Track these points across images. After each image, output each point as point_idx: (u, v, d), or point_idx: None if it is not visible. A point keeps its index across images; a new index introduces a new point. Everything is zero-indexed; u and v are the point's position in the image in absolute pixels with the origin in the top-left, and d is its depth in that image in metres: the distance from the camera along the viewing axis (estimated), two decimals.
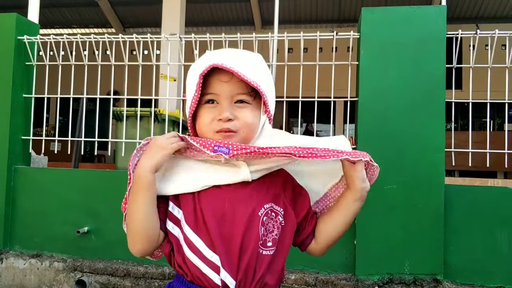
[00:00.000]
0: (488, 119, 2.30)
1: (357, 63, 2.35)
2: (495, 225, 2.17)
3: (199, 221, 0.90)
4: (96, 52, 2.60)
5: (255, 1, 10.34)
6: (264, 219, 0.93)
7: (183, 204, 0.94)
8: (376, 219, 2.20)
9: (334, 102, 2.42)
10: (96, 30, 11.64)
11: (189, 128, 0.99)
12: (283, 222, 0.96)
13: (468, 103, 2.31)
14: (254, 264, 0.90)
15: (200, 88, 0.91)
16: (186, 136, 0.92)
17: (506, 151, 2.27)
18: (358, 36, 2.33)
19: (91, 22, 11.67)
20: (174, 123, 2.87)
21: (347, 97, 2.38)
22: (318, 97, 2.43)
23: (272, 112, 0.98)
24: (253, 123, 0.93)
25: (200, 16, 10.84)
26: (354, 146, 2.35)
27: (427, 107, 2.23)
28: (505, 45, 2.23)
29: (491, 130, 8.27)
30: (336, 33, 2.38)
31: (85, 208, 2.50)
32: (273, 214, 0.95)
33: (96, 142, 2.58)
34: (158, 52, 2.54)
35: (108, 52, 2.63)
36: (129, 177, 0.94)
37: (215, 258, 0.89)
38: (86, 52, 2.60)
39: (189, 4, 7.82)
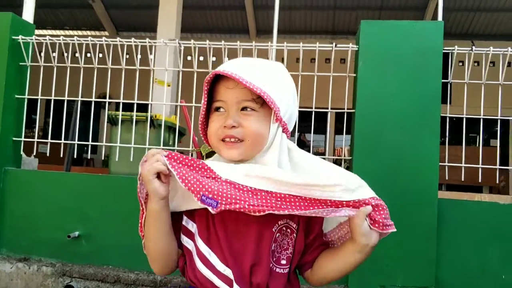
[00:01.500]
0: (481, 135, 2.33)
1: (355, 75, 2.37)
2: (487, 240, 2.19)
3: (212, 235, 0.90)
4: (93, 55, 2.58)
5: (251, 10, 10.40)
6: (277, 235, 0.92)
7: (197, 218, 0.94)
8: None
9: (331, 113, 2.43)
10: (89, 33, 11.57)
11: (202, 136, 1.00)
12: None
13: (459, 118, 2.35)
14: (266, 281, 0.89)
15: (207, 96, 0.92)
16: (168, 164, 0.87)
17: (497, 167, 2.30)
18: (357, 48, 2.34)
19: (84, 25, 11.61)
20: (170, 128, 2.85)
21: (340, 108, 2.39)
22: (315, 108, 2.44)
23: (289, 123, 0.96)
24: (258, 131, 0.91)
25: (195, 22, 10.85)
26: (349, 158, 2.36)
27: (422, 121, 2.25)
28: (493, 62, 2.26)
29: (479, 145, 8.38)
30: (335, 45, 2.40)
31: (77, 212, 2.46)
32: (288, 230, 0.94)
33: (89, 146, 2.55)
34: (151, 57, 2.53)
35: (100, 55, 2.61)
36: (140, 207, 0.95)
37: (227, 272, 0.88)
38: (81, 55, 2.58)
39: (184, 10, 7.82)
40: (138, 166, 0.93)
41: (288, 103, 0.95)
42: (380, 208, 0.89)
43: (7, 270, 2.42)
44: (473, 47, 2.21)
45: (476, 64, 2.37)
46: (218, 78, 0.93)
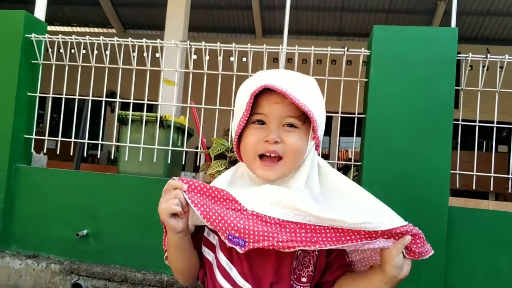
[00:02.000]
0: (493, 142, 2.32)
1: (366, 79, 2.36)
2: (496, 249, 2.17)
3: (233, 249, 0.87)
4: (104, 54, 2.59)
5: (257, 9, 10.40)
6: (299, 252, 0.90)
7: None
8: None
9: (337, 116, 2.43)
10: (96, 30, 11.60)
11: (234, 148, 0.97)
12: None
13: (473, 125, 2.34)
14: None
15: (250, 108, 0.88)
16: (188, 199, 0.83)
17: (510, 175, 2.29)
18: (369, 53, 2.34)
19: (91, 21, 11.64)
20: (179, 129, 2.86)
21: (349, 112, 2.39)
22: (326, 112, 2.43)
23: (321, 138, 0.95)
24: (300, 149, 0.89)
25: (201, 22, 10.86)
26: (360, 163, 2.35)
27: (434, 127, 2.24)
28: (501, 67, 2.25)
29: (484, 151, 8.35)
30: (347, 49, 2.40)
31: (86, 211, 2.47)
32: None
33: (99, 145, 2.56)
34: (158, 55, 2.54)
35: (107, 53, 2.62)
36: (163, 228, 0.93)
37: (247, 287, 0.88)
38: (93, 55, 2.59)
39: (192, 10, 7.83)
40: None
41: (323, 120, 0.94)
42: (417, 237, 0.84)
43: (17, 266, 2.43)
44: (488, 54, 2.19)
45: (485, 69, 2.35)
46: (260, 90, 0.88)
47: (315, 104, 0.89)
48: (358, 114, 2.39)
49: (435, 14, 9.71)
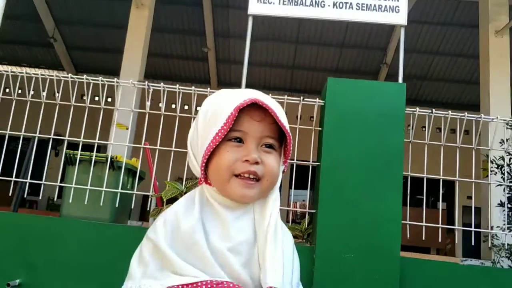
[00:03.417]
0: (440, 195, 2.42)
1: (320, 128, 2.42)
2: None
3: None
4: (56, 91, 2.49)
5: (213, 62, 10.65)
6: None
7: None
8: (333, 287, 2.16)
9: (296, 165, 2.45)
10: (47, 72, 11.31)
11: (199, 168, 0.89)
12: None
13: (421, 176, 2.43)
14: None
15: (232, 123, 0.83)
16: None
17: (456, 227, 2.37)
18: (323, 103, 2.41)
19: (43, 63, 11.39)
20: (129, 172, 2.75)
21: (303, 160, 2.42)
22: None
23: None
24: (277, 172, 0.87)
25: (158, 69, 10.94)
26: (313, 211, 2.35)
27: (385, 177, 2.30)
28: (439, 128, 2.40)
29: (426, 207, 8.71)
30: (303, 99, 2.46)
31: (20, 257, 2.25)
32: None
33: (42, 185, 2.39)
34: (109, 99, 2.49)
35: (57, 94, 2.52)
36: None
37: None
38: (44, 90, 2.48)
39: (148, 57, 7.89)
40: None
41: (291, 148, 0.93)
42: None
43: None
44: (433, 110, 2.33)
45: (423, 129, 2.49)
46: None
47: (288, 127, 0.88)
48: (313, 162, 2.42)
49: (379, 76, 10.41)
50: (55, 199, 2.46)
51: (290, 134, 0.86)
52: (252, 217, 0.87)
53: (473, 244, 2.18)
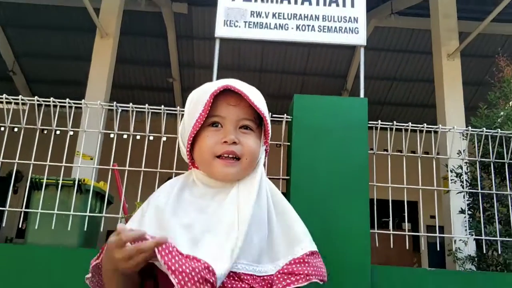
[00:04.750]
0: (405, 209, 2.50)
1: (289, 143, 2.49)
2: None
3: None
4: (21, 117, 2.45)
5: (178, 91, 10.70)
6: None
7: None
8: None
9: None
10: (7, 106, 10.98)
11: (186, 155, 0.95)
12: None
13: (387, 187, 2.53)
14: None
15: (209, 108, 0.90)
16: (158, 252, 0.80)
17: (421, 233, 2.45)
18: (291, 119, 2.49)
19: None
20: (97, 195, 2.70)
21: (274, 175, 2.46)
22: None
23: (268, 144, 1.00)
24: (255, 151, 0.94)
25: (122, 101, 10.84)
26: None
27: (352, 188, 2.37)
28: (400, 150, 2.52)
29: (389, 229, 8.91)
30: (271, 115, 2.53)
31: None
32: None
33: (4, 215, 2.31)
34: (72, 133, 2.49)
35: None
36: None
37: None
38: (8, 116, 2.44)
39: (113, 88, 7.84)
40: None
41: (270, 128, 1.00)
42: None
43: None
44: (394, 121, 2.45)
45: (384, 150, 2.61)
46: (217, 94, 0.91)
47: (266, 110, 0.95)
48: (283, 177, 2.47)
49: (347, 78, 10.77)
50: (19, 225, 2.38)
51: (266, 116, 0.92)
52: (235, 194, 0.92)
53: (438, 249, 2.26)
